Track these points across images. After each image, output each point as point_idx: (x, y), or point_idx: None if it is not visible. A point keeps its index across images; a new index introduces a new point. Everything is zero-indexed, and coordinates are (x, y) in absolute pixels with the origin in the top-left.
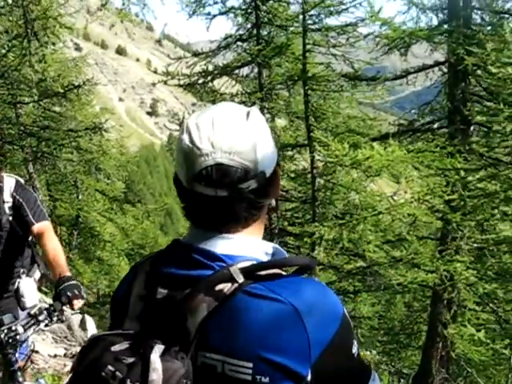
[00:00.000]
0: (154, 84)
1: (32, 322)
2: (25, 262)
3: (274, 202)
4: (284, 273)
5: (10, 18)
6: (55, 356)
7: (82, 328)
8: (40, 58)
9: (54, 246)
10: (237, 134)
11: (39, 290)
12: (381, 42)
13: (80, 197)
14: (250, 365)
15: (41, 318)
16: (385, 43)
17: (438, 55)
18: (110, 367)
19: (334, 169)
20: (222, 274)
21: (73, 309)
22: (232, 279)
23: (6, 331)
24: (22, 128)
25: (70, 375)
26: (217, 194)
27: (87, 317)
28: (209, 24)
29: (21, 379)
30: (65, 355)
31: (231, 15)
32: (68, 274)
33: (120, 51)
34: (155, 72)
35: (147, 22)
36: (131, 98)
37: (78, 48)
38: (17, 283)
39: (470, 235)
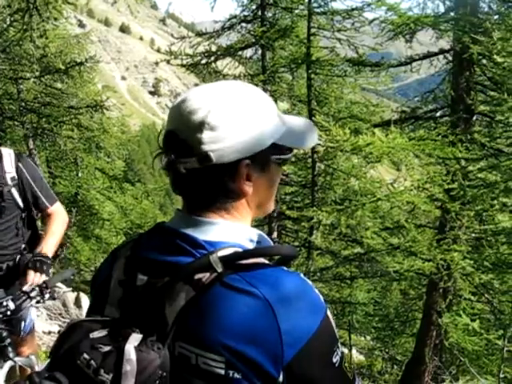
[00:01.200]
0: (156, 63)
1: (24, 297)
2: (26, 237)
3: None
4: (267, 261)
5: None
6: (49, 333)
7: (77, 305)
8: (41, 33)
9: (54, 230)
10: (194, 108)
11: None
12: (386, 28)
13: (80, 174)
14: (223, 359)
15: (32, 294)
16: (390, 29)
17: (443, 43)
18: (85, 355)
19: (334, 154)
20: (201, 262)
21: (26, 281)
22: (211, 268)
23: None
24: (22, 104)
25: (48, 360)
26: (168, 159)
27: (82, 294)
28: (213, 4)
29: (11, 355)
30: (59, 332)
31: None
32: (49, 255)
33: (124, 29)
34: (158, 51)
35: (152, 1)
36: (134, 77)
37: (81, 25)
38: (17, 259)
39: (469, 225)
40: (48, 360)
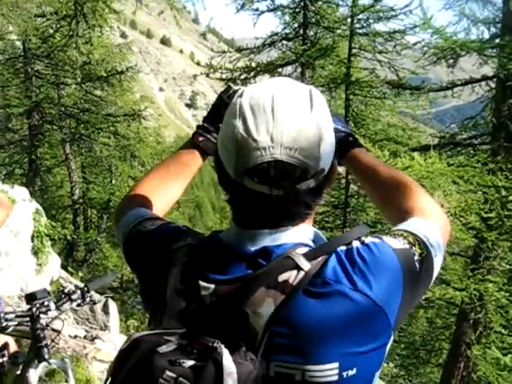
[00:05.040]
0: (195, 76)
1: (65, 299)
2: None
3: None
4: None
5: (61, 0)
6: (75, 337)
7: (105, 312)
8: (86, 39)
9: None
10: (300, 127)
11: (65, 269)
12: (429, 52)
13: (113, 181)
14: (336, 365)
15: (74, 297)
16: (433, 53)
17: (486, 70)
18: (168, 372)
19: None
20: (283, 261)
21: None
22: (296, 267)
23: (38, 306)
24: (62, 109)
25: (109, 381)
26: (271, 193)
27: (110, 301)
28: (256, 20)
29: (47, 356)
30: (85, 337)
31: (279, 13)
32: None
33: (164, 41)
34: (198, 64)
35: (193, 15)
36: (171, 89)
37: (123, 35)
38: None
39: (504, 256)
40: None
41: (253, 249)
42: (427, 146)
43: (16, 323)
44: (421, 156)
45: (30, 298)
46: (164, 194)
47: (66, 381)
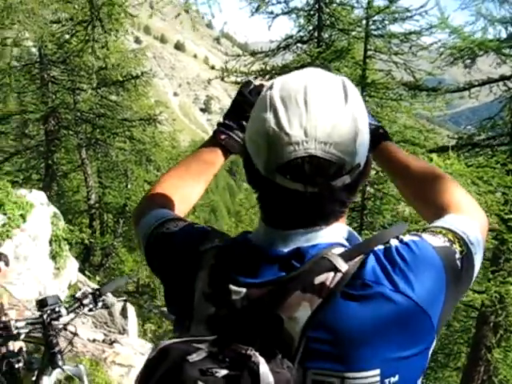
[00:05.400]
0: (209, 81)
1: (76, 305)
2: None
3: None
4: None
5: (76, 6)
6: (94, 341)
7: (123, 315)
8: (103, 44)
9: None
10: (335, 120)
11: (82, 273)
12: (445, 52)
13: (129, 186)
14: (377, 372)
15: (85, 301)
16: (450, 53)
17: (504, 70)
18: (201, 383)
19: (385, 178)
20: (319, 262)
21: None
22: (334, 268)
23: (49, 312)
24: (78, 114)
25: None
26: (305, 191)
27: (129, 305)
28: (270, 23)
29: (60, 362)
30: (103, 341)
31: (293, 16)
32: None
33: (179, 46)
34: (213, 68)
35: (207, 20)
36: (186, 94)
37: (137, 41)
38: None
39: None
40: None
41: (285, 250)
42: (445, 148)
43: (27, 330)
44: (439, 157)
45: (41, 304)
46: (185, 194)
47: None
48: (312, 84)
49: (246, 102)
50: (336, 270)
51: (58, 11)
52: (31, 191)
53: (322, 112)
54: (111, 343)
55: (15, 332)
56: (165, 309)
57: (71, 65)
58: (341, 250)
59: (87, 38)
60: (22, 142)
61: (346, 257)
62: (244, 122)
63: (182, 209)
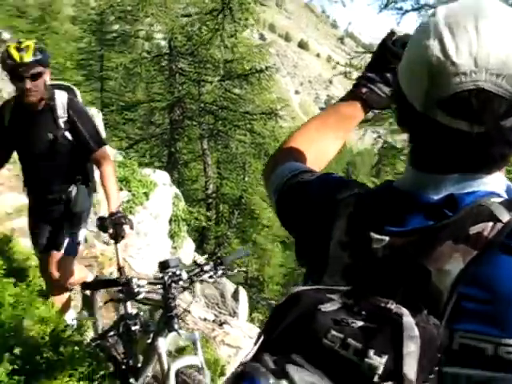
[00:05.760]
0: (330, 81)
1: (197, 270)
2: (78, 177)
3: None
4: None
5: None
6: (205, 319)
7: (234, 298)
8: (232, 33)
9: (108, 174)
10: (511, 50)
11: (199, 254)
12: None
13: (246, 178)
14: None
15: (206, 268)
16: None
17: None
18: (334, 332)
19: None
20: (476, 210)
21: (116, 240)
22: (493, 218)
23: (170, 274)
24: (202, 105)
25: (262, 337)
26: (471, 131)
27: (241, 288)
28: (399, 20)
29: (176, 326)
30: (213, 321)
31: (423, 12)
32: (115, 210)
33: (302, 45)
34: (338, 63)
35: (332, 19)
36: (307, 92)
37: (262, 38)
38: (71, 188)
39: None
40: (259, 339)
41: (435, 197)
42: None
43: (148, 290)
44: None
45: (163, 266)
46: (321, 148)
47: (195, 354)
48: (483, 9)
49: (391, 52)
50: (496, 219)
51: (189, 6)
52: (155, 171)
53: (496, 39)
54: (221, 324)
55: (136, 290)
56: (272, 301)
57: (198, 57)
58: (500, 200)
59: (216, 26)
60: (147, 129)
61: (509, 206)
62: (388, 75)
63: (317, 163)
